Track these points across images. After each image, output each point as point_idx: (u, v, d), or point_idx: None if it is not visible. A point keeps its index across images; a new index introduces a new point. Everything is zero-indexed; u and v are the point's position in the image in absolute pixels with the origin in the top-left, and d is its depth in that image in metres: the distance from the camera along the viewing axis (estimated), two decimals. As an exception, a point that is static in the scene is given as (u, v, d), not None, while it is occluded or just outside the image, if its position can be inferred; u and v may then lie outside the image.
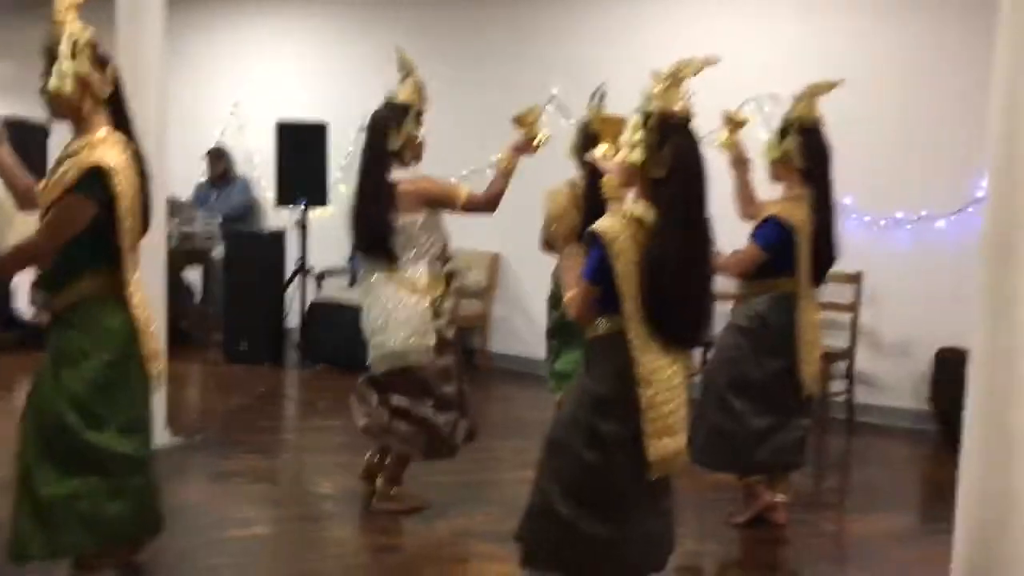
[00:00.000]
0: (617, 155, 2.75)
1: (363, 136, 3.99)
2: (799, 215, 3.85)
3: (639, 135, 2.64)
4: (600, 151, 3.26)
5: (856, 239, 5.86)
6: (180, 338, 6.70)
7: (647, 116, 2.65)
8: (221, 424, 5.42)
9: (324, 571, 3.47)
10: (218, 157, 8.11)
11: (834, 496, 4.85)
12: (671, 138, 2.62)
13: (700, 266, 2.68)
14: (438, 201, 3.96)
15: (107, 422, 2.92)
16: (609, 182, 2.76)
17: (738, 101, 6.00)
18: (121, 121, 2.96)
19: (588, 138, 4.38)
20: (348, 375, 6.34)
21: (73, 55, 2.85)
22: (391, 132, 3.88)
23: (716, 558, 3.75)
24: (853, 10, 5.91)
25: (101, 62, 2.91)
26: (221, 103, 8.48)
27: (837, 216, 4.03)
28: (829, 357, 5.59)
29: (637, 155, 2.63)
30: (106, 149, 2.84)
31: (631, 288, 2.59)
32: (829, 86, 3.98)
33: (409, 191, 3.88)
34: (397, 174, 3.90)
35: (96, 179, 2.79)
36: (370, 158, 3.95)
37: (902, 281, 5.73)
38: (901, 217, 5.79)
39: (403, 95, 3.97)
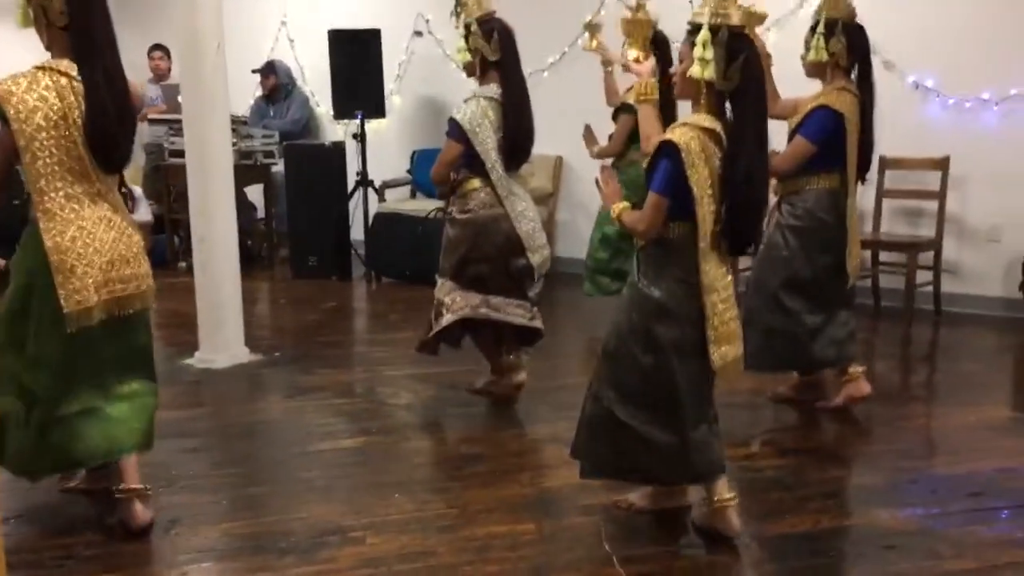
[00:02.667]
0: (680, 67, 2.79)
1: (506, 48, 3.96)
2: (847, 105, 3.82)
3: (710, 52, 2.63)
4: (631, 55, 3.24)
5: (941, 122, 5.61)
6: (246, 256, 6.72)
7: (716, 30, 2.65)
8: (295, 340, 5.45)
9: (416, 480, 3.47)
10: (269, 72, 7.98)
11: (922, 389, 4.73)
12: (742, 51, 2.65)
13: (767, 174, 2.80)
14: None
15: (21, 347, 2.90)
16: (642, 87, 2.87)
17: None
18: (80, 47, 2.83)
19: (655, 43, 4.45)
20: (413, 286, 6.36)
21: None
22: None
23: (804, 452, 3.68)
24: None
25: None
26: (270, 17, 8.31)
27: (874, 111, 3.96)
28: (915, 247, 5.40)
29: (710, 72, 2.64)
30: (12, 76, 2.80)
31: (705, 198, 2.66)
32: None
33: None
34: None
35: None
36: (517, 69, 4.02)
37: (990, 165, 5.47)
38: (988, 98, 5.49)
39: (484, 7, 3.99)
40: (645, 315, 2.76)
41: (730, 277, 2.81)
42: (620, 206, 2.84)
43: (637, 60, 3.34)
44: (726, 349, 2.76)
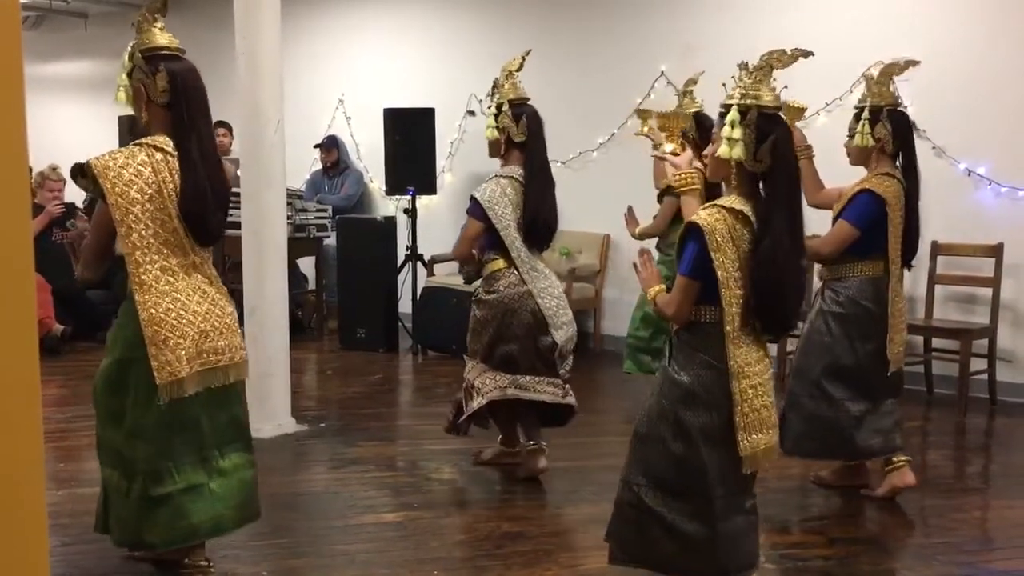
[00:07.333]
0: (711, 148, 2.76)
1: (532, 131, 4.10)
2: (892, 190, 3.82)
3: (738, 132, 2.62)
4: (667, 148, 3.29)
5: (994, 209, 5.57)
6: (296, 326, 6.81)
7: (745, 111, 2.63)
8: (340, 411, 5.48)
9: (455, 557, 3.44)
10: (331, 147, 8.21)
11: (978, 480, 4.59)
12: (772, 132, 2.62)
13: (801, 256, 2.70)
14: None
15: (120, 420, 2.93)
16: (681, 179, 2.85)
17: (858, 72, 5.76)
18: (180, 123, 2.92)
19: (700, 126, 4.57)
20: (458, 360, 6.34)
21: (128, 64, 2.93)
22: None
23: (855, 542, 3.58)
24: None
25: (152, 70, 2.90)
26: (328, 95, 8.56)
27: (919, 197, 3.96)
28: (968, 334, 5.31)
29: (739, 151, 2.62)
30: (111, 152, 2.89)
31: (731, 280, 2.61)
32: (904, 66, 3.93)
33: None
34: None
35: (95, 180, 2.83)
36: (540, 153, 4.13)
37: (1044, 252, 5.40)
38: (1041, 186, 5.45)
39: (518, 92, 4.14)
40: (673, 400, 2.69)
41: (766, 363, 2.71)
42: (655, 289, 2.81)
43: (675, 153, 3.42)
44: (757, 437, 2.64)
